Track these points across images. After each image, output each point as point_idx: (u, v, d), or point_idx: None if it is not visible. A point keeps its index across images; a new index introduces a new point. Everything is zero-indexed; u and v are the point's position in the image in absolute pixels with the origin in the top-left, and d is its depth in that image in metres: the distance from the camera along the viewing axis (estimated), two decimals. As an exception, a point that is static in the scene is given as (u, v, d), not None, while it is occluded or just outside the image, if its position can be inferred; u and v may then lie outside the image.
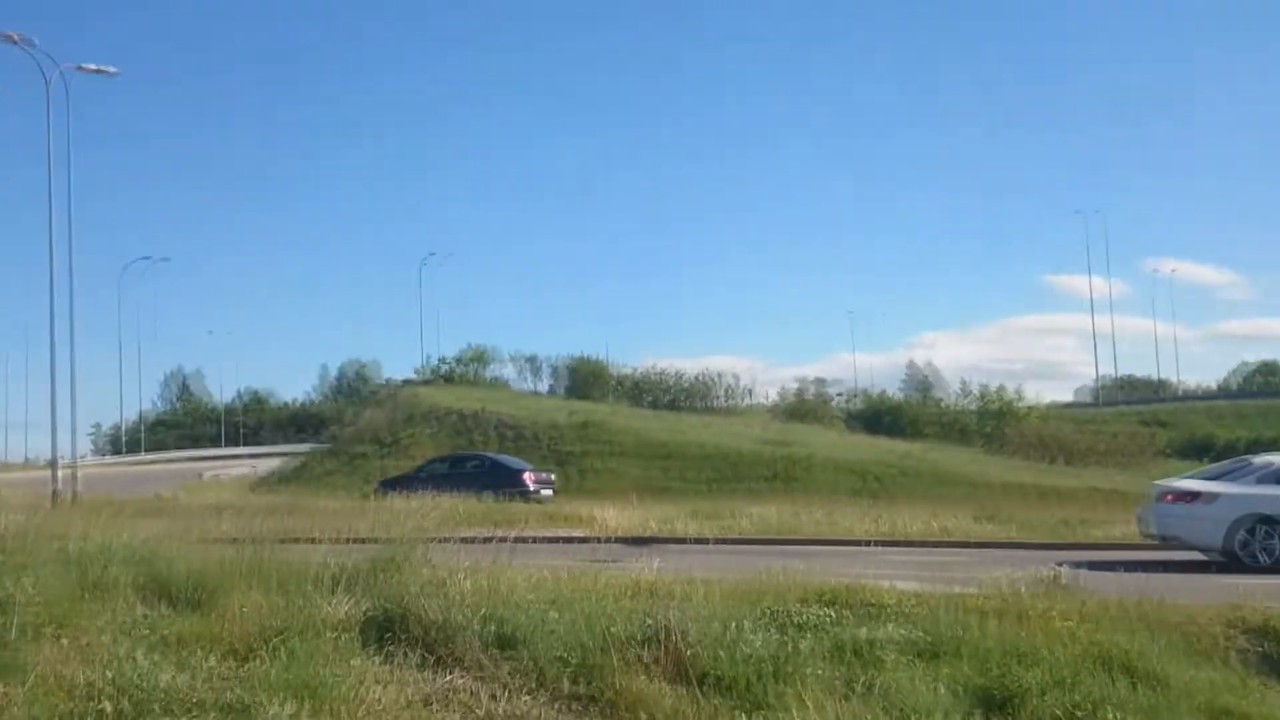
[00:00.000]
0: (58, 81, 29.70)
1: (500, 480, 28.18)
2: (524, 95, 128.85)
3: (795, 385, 69.43)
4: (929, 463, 39.50)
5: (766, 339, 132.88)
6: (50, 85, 29.45)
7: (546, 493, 29.00)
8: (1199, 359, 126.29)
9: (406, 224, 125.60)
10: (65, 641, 7.09)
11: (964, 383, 65.43)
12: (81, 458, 65.67)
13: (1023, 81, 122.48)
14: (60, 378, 29.02)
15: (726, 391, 65.68)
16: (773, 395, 69.70)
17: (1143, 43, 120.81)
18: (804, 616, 8.41)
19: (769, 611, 8.55)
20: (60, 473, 27.54)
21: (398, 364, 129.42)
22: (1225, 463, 17.86)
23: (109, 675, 6.27)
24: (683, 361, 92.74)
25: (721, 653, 7.29)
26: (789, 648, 7.44)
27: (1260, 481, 14.89)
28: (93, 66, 30.90)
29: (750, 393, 68.08)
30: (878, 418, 59.57)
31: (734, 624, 7.70)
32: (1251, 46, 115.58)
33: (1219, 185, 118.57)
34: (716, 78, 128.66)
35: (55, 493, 25.75)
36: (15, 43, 28.51)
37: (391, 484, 28.66)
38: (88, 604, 8.05)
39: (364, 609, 8.07)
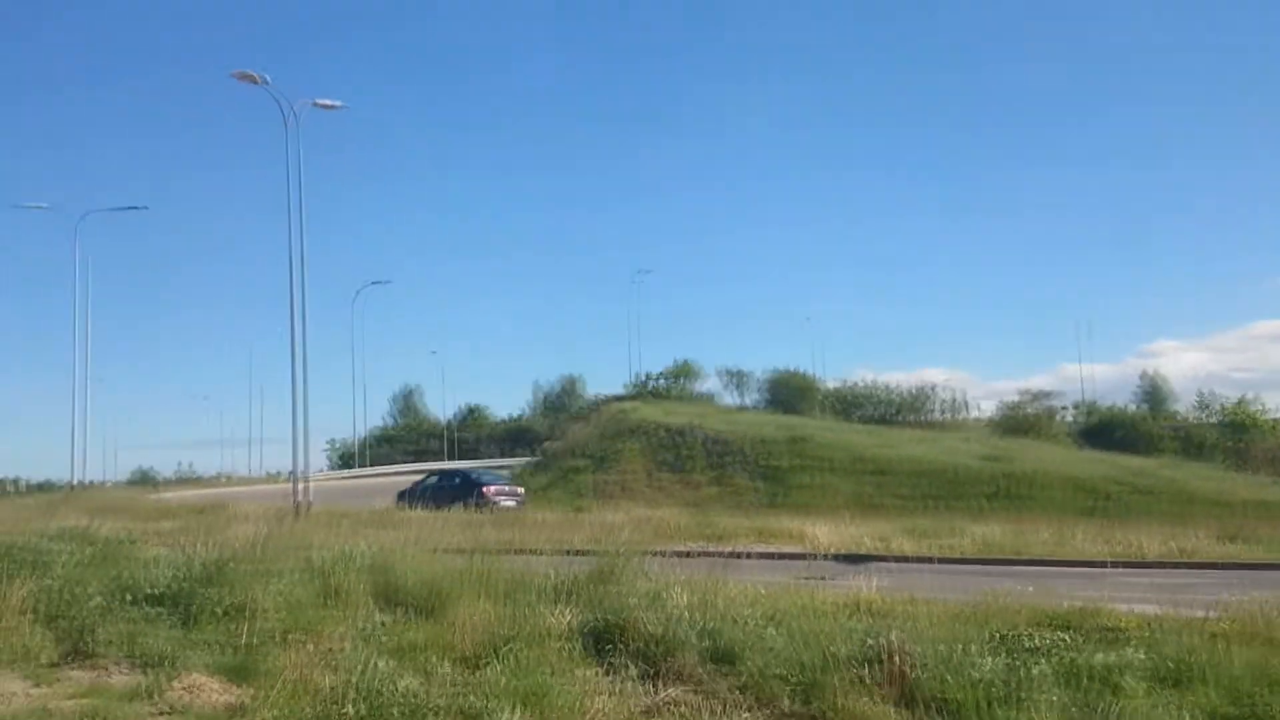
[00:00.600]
0: (292, 117, 31.66)
1: (469, 492, 30.56)
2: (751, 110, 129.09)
3: (1015, 398, 66.51)
4: (1165, 480, 37.08)
5: (978, 351, 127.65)
6: (295, 121, 31.50)
7: (508, 503, 30.91)
8: None
9: (614, 242, 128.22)
10: (310, 646, 7.58)
11: (1201, 394, 61.18)
12: (318, 471, 70.44)
13: (1247, 64, 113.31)
14: (300, 397, 30.92)
15: (943, 405, 63.85)
16: (988, 409, 67.12)
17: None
18: (1035, 640, 8.06)
19: (997, 634, 8.24)
20: (301, 485, 29.33)
21: (604, 379, 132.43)
22: None
23: (352, 680, 6.63)
24: (891, 375, 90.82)
25: (948, 676, 7.04)
26: (1020, 672, 7.11)
27: None
28: (327, 102, 32.83)
29: (965, 406, 65.85)
30: (1108, 432, 56.29)
31: (960, 646, 7.43)
32: None
33: None
34: (928, 75, 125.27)
35: (297, 505, 27.46)
36: (256, 82, 30.77)
37: (403, 495, 31.91)
38: (330, 610, 8.61)
39: (586, 620, 8.29)
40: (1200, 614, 9.18)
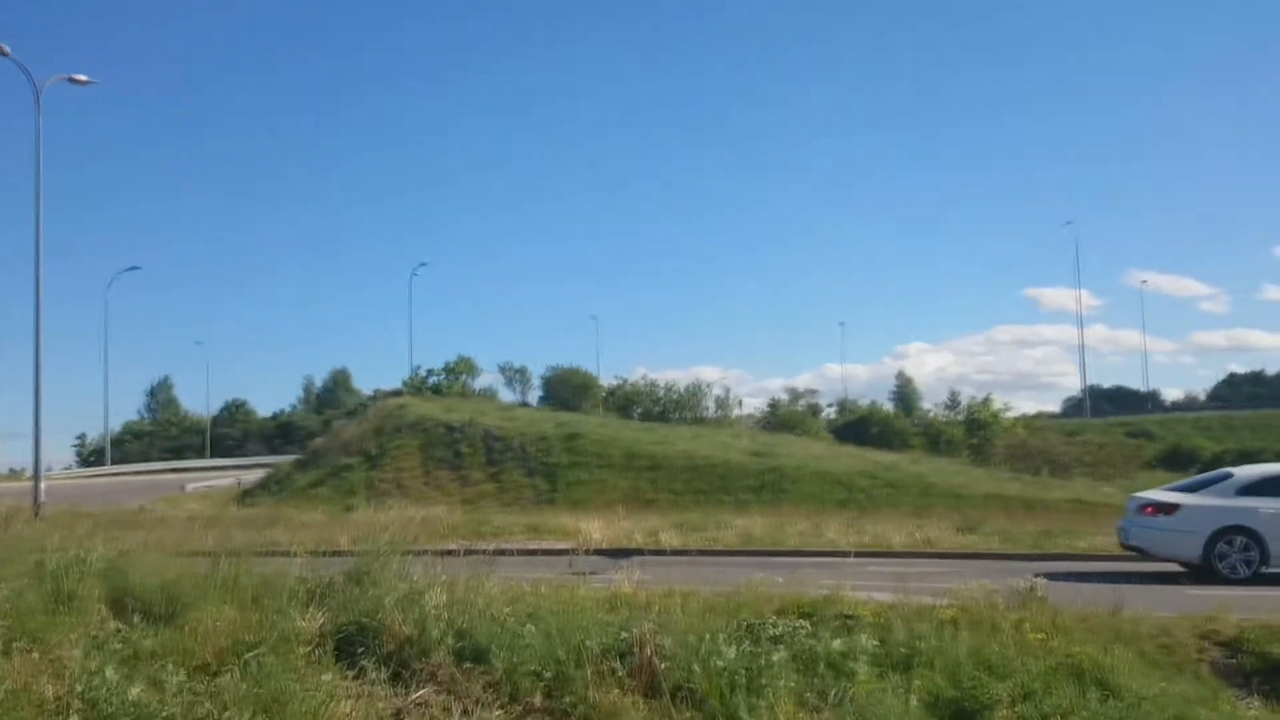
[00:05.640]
0: (37, 91, 29.43)
1: None
2: (509, 102, 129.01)
3: (783, 396, 69.54)
4: (912, 474, 39.41)
5: (754, 351, 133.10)
6: (40, 95, 29.33)
7: None
8: (1180, 370, 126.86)
9: (390, 236, 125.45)
10: (36, 655, 7.06)
11: (951, 394, 65.83)
12: (65, 468, 65.27)
13: (1006, 100, 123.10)
14: (40, 390, 28.70)
15: (716, 402, 65.77)
16: (761, 406, 69.88)
17: (1120, 66, 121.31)
18: (779, 629, 8.41)
19: (745, 624, 8.55)
20: (43, 484, 27.24)
21: (382, 376, 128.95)
22: (1205, 475, 17.89)
23: (76, 689, 6.24)
24: (669, 373, 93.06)
25: (695, 666, 7.29)
26: (762, 660, 7.44)
27: (1239, 494, 14.89)
28: (78, 77, 30.75)
29: (737, 403, 68.18)
30: (863, 428, 59.72)
31: (708, 636, 7.69)
32: (1226, 70, 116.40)
33: (1194, 200, 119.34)
34: (700, 86, 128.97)
35: (38, 505, 25.50)
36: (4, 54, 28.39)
37: None
38: (61, 617, 8.02)
39: (338, 623, 8.06)
40: (934, 601, 9.85)
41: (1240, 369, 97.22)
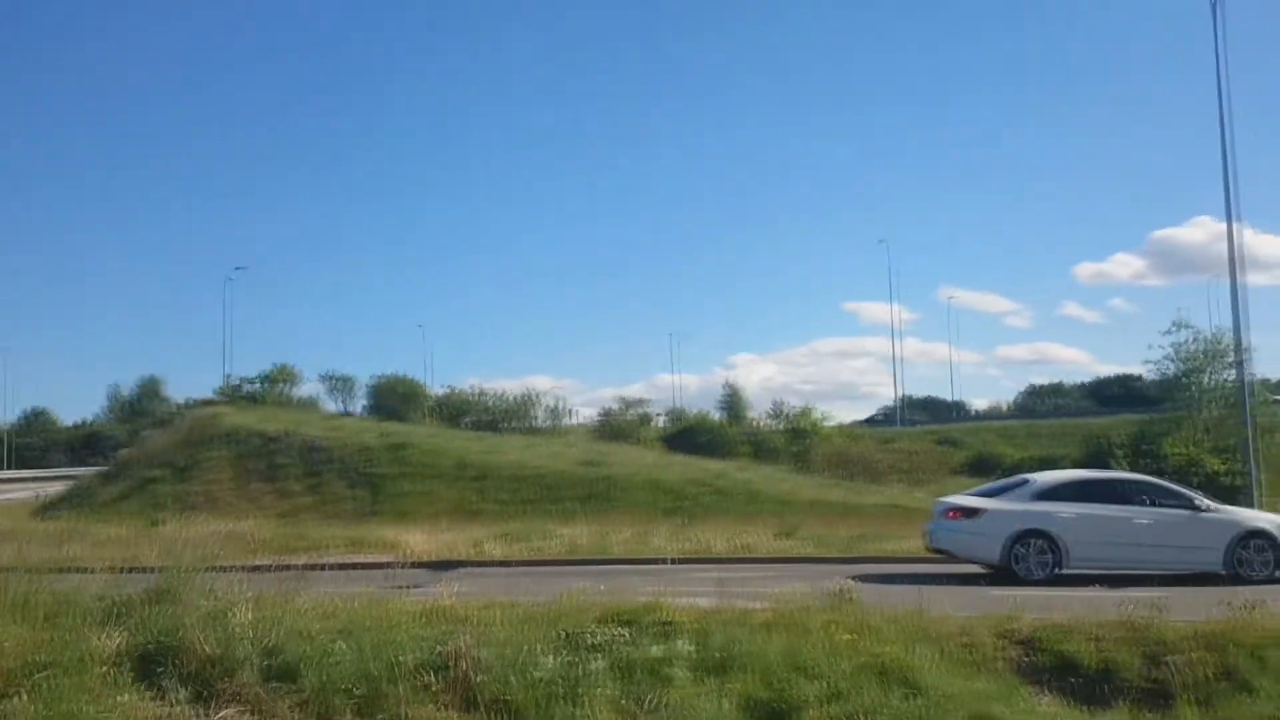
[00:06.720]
0: None
1: None
2: (334, 97, 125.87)
3: (615, 405, 69.89)
4: (740, 481, 40.30)
5: (586, 360, 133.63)
6: None
7: None
8: (986, 381, 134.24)
9: (210, 238, 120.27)
10: None
11: (776, 403, 67.51)
12: None
13: (822, 114, 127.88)
14: None
15: (546, 411, 65.50)
16: (593, 415, 70.02)
17: (930, 88, 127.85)
18: (598, 637, 8.43)
19: (564, 634, 8.53)
20: None
21: (198, 384, 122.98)
22: (1004, 480, 18.89)
23: None
24: (501, 382, 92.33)
25: (512, 677, 7.26)
26: (579, 669, 7.47)
27: (1035, 498, 15.77)
28: None
29: (569, 413, 68.12)
30: (693, 437, 60.58)
31: (526, 648, 7.66)
32: (1037, 95, 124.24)
33: (1002, 222, 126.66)
34: (521, 89, 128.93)
35: None
36: None
37: None
38: None
39: (137, 642, 7.67)
40: (752, 605, 10.08)
41: (1042, 380, 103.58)
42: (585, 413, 71.40)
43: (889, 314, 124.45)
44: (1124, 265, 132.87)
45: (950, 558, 16.39)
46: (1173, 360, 48.41)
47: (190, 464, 38.44)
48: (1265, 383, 49.15)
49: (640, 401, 70.32)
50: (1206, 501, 16.02)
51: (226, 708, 6.82)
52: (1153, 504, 15.73)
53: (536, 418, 64.84)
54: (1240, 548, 15.20)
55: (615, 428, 62.99)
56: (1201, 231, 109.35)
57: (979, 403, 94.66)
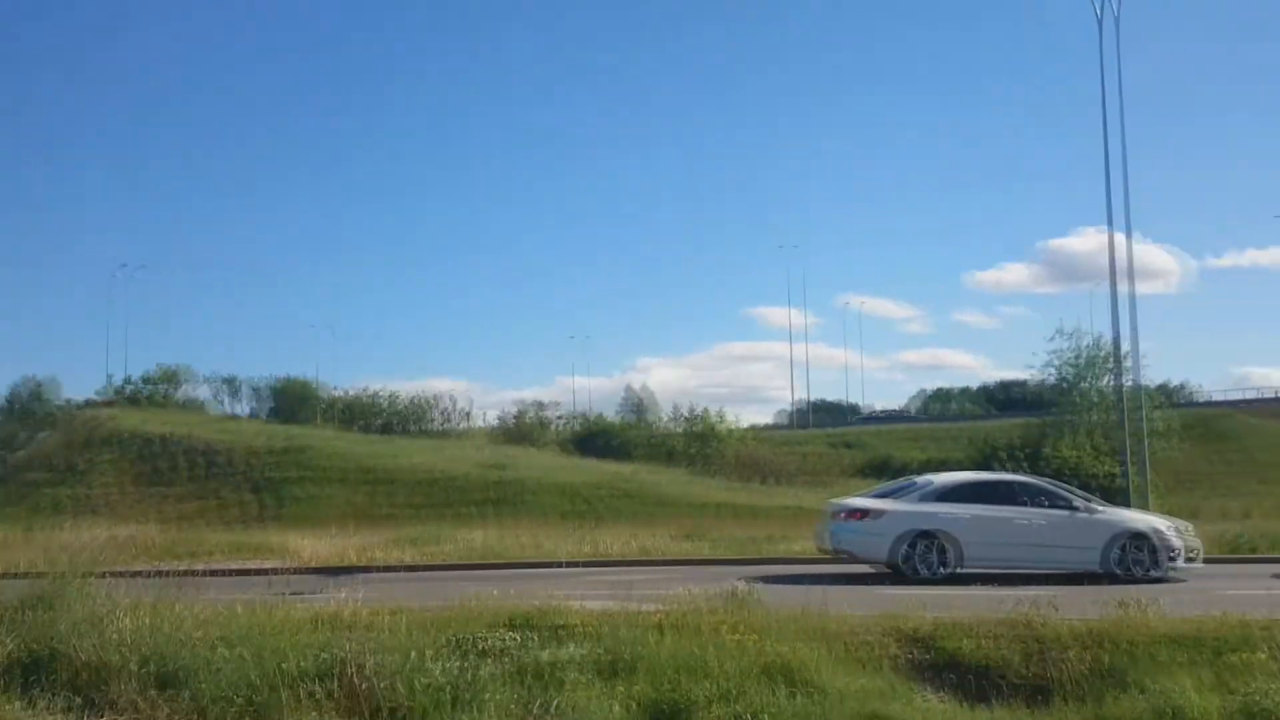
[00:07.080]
0: None
1: None
2: (230, 90, 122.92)
3: (515, 408, 69.50)
4: (639, 484, 40.56)
5: (487, 362, 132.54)
6: None
7: None
8: (884, 385, 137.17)
9: (98, 232, 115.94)
10: None
11: (676, 406, 67.79)
12: None
13: (725, 122, 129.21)
14: None
15: (443, 414, 64.72)
16: (492, 418, 69.49)
17: (831, 94, 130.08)
18: (489, 642, 8.39)
19: (455, 639, 8.47)
20: None
21: (82, 385, 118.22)
22: (893, 482, 19.28)
23: None
24: (399, 384, 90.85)
25: (400, 684, 7.18)
26: (469, 675, 7.42)
27: (922, 500, 16.15)
28: None
29: (469, 416, 67.35)
30: (593, 440, 60.62)
31: (414, 654, 7.59)
32: (930, 102, 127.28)
33: (900, 231, 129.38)
34: (441, 90, 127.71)
35: None
36: None
37: None
38: None
39: (13, 651, 7.43)
40: (645, 607, 10.12)
41: (941, 384, 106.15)
42: (489, 415, 70.86)
43: (793, 318, 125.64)
44: (1016, 273, 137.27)
45: (840, 558, 16.66)
46: (1054, 366, 50.40)
47: (76, 467, 37.19)
48: (1154, 389, 50.95)
49: (545, 404, 70.20)
50: (1086, 503, 16.57)
51: (104, 716, 6.62)
52: (1037, 505, 16.22)
53: (434, 420, 64.10)
54: (1117, 548, 15.77)
55: (516, 430, 62.68)
56: (1093, 240, 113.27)
57: (881, 405, 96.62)
